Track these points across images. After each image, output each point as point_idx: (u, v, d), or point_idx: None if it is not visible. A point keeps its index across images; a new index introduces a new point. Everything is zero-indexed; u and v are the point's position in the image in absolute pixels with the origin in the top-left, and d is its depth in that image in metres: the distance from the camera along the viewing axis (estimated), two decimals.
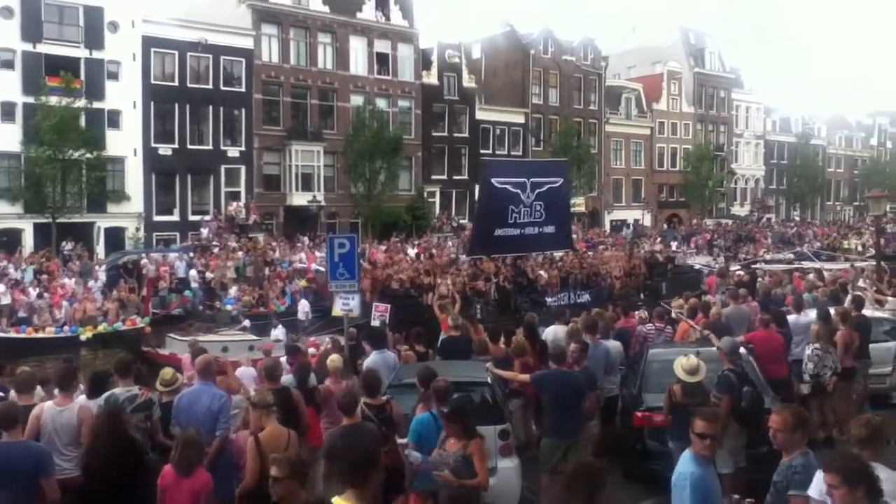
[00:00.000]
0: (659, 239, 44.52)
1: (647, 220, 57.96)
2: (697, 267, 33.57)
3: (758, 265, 27.14)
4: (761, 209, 65.47)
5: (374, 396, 6.90)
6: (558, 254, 25.89)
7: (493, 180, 20.20)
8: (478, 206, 22.90)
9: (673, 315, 12.78)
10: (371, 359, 9.41)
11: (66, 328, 22.60)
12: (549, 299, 21.74)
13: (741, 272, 21.98)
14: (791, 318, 11.46)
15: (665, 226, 56.59)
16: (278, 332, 19.24)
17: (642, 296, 23.76)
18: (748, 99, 68.46)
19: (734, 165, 66.35)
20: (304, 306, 23.69)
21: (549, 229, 21.00)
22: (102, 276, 26.50)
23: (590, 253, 31.48)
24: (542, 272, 23.91)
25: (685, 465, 4.98)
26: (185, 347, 18.46)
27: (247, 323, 21.04)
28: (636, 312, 14.21)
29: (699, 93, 63.10)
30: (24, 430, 6.06)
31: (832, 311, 11.20)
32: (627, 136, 58.20)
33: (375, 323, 14.00)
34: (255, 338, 18.51)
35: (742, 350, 8.93)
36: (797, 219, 66.15)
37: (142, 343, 20.98)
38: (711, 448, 5.02)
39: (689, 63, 62.57)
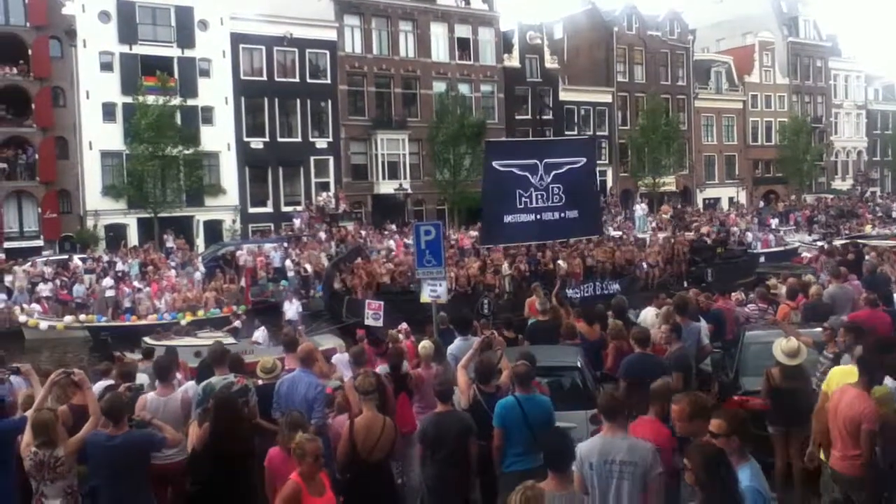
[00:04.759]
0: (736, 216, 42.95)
1: (742, 198, 56.09)
2: (790, 248, 32.16)
3: (861, 241, 25.88)
4: (864, 183, 62.31)
5: (487, 383, 6.94)
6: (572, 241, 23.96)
7: (495, 163, 18.71)
8: (482, 191, 21.27)
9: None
10: (455, 344, 9.42)
11: (166, 315, 23.79)
12: (570, 291, 20.29)
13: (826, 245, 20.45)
14: None
15: (761, 203, 54.66)
16: (259, 335, 18.45)
17: (685, 284, 21.59)
18: (847, 67, 65.06)
19: (833, 138, 63.38)
20: (294, 306, 22.84)
21: (572, 214, 19.32)
22: (202, 268, 27.63)
23: (624, 238, 29.89)
24: (560, 262, 22.40)
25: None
26: (161, 352, 17.76)
27: (238, 324, 20.21)
28: (734, 294, 13.78)
29: (794, 63, 60.42)
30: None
31: None
32: (718, 111, 56.35)
33: (369, 321, 13.78)
34: (232, 341, 17.35)
35: None
36: None
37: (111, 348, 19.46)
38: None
39: (783, 32, 59.95)
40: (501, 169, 18.48)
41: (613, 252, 24.53)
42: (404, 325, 14.22)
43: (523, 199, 18.55)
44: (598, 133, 48.91)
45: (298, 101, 38.83)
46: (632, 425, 5.42)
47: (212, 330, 19.94)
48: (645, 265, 23.84)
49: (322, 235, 32.46)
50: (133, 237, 33.81)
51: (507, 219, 18.58)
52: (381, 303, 14.47)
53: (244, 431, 6.41)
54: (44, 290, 25.37)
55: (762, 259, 31.27)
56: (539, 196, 18.68)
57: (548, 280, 20.09)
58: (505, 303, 20.09)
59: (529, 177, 18.56)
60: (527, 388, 6.44)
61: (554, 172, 18.81)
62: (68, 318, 24.17)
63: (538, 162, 18.81)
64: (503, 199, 18.52)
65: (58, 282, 26.01)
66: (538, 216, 18.82)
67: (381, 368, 8.41)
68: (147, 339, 18.84)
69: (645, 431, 5.40)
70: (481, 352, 7.74)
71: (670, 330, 8.44)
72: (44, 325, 23.86)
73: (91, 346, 22.65)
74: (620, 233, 33.84)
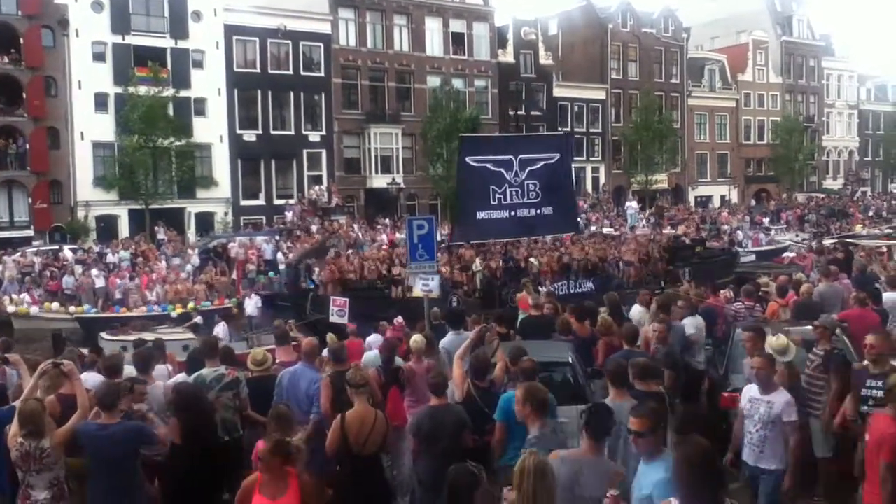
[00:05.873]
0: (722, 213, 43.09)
1: (734, 196, 56.27)
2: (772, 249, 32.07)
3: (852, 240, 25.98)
4: (855, 182, 62.67)
5: (481, 379, 6.91)
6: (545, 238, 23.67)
7: (469, 159, 18.33)
8: (457, 187, 20.87)
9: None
10: (448, 339, 9.43)
11: (157, 307, 23.67)
12: (543, 289, 19.74)
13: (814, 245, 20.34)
14: (888, 295, 10.96)
15: (753, 201, 54.85)
16: (219, 330, 18.05)
17: (662, 283, 20.79)
18: (840, 67, 65.28)
19: (826, 137, 63.62)
20: (254, 302, 22.46)
21: (547, 210, 18.97)
22: (195, 260, 27.53)
23: (598, 235, 29.56)
24: (532, 260, 22.06)
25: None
26: (116, 347, 16.24)
27: (199, 319, 19.88)
28: (722, 291, 13.81)
29: (787, 62, 60.58)
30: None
31: None
32: (711, 109, 56.48)
33: (334, 318, 13.70)
34: (191, 337, 17.19)
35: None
36: (895, 192, 63.03)
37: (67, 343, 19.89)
38: (643, 447, 4.68)
39: (776, 31, 60.11)
40: (475, 164, 18.20)
41: (585, 249, 24.10)
42: (399, 320, 14.20)
43: (497, 195, 18.25)
44: (591, 130, 49.10)
45: (292, 93, 38.73)
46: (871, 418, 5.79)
47: (171, 326, 19.65)
48: (621, 264, 23.53)
49: (315, 228, 32.39)
50: (124, 228, 33.69)
51: (480, 215, 18.26)
52: (347, 299, 14.29)
53: (208, 422, 6.39)
54: (34, 288, 25.12)
55: (752, 257, 31.31)
56: (513, 192, 18.41)
57: (520, 277, 19.64)
58: (475, 300, 19.70)
59: (504, 173, 18.26)
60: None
61: (529, 168, 18.53)
62: (55, 305, 24.02)
63: (513, 157, 18.51)
64: (477, 196, 18.21)
65: (47, 273, 25.87)
66: (512, 213, 18.55)
67: (373, 356, 8.41)
68: (104, 335, 18.57)
69: (878, 423, 5.47)
70: (475, 346, 7.73)
71: (666, 329, 8.46)
72: (34, 310, 23.69)
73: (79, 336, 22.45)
74: (605, 229, 33.83)
